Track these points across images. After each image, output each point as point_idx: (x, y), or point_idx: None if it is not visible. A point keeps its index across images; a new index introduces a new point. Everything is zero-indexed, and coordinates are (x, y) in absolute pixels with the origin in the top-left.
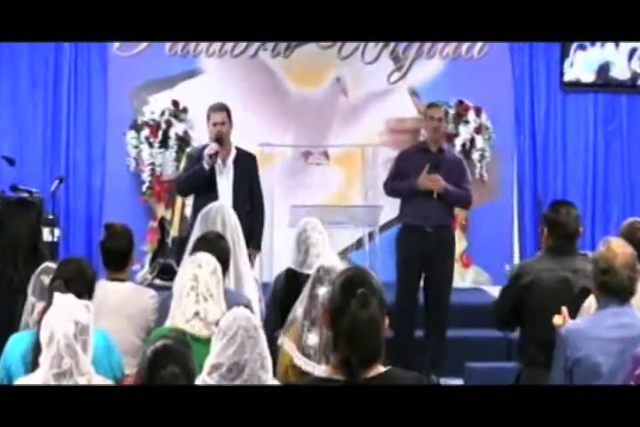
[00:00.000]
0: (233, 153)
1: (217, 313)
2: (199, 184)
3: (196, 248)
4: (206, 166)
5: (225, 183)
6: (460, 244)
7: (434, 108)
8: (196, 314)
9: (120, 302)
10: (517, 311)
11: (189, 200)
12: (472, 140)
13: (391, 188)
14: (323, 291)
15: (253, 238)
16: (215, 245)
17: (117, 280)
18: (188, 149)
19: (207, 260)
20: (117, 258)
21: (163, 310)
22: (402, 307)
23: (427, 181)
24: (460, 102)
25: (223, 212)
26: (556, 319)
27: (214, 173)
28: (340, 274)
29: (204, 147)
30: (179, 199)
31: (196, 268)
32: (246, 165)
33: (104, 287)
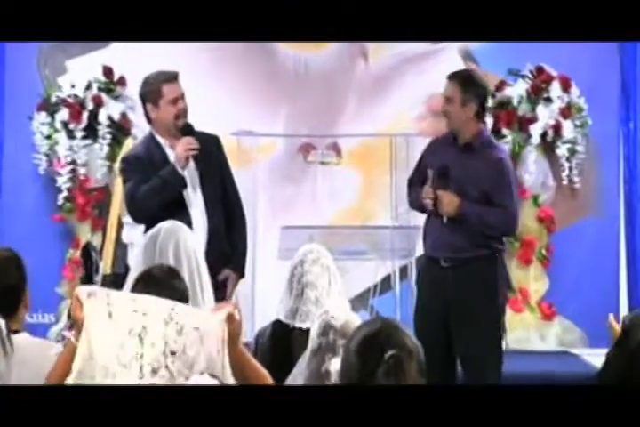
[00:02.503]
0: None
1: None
2: (171, 201)
3: (134, 290)
4: (181, 172)
5: (192, 192)
6: (539, 284)
7: (447, 83)
8: None
9: (11, 364)
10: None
11: (130, 218)
12: (557, 128)
13: (407, 197)
14: (338, 366)
15: (234, 258)
16: (164, 285)
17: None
18: (127, 143)
19: (155, 303)
20: None
21: None
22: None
23: (427, 200)
24: (540, 70)
25: (177, 235)
26: None
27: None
28: (358, 330)
29: (147, 143)
30: (113, 217)
31: (142, 319)
32: (210, 156)
33: None
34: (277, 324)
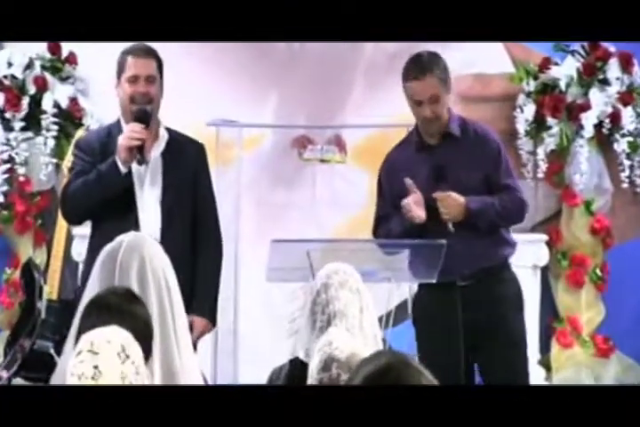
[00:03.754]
0: (163, 139)
1: None
2: (109, 200)
3: (85, 320)
4: (122, 168)
5: (148, 196)
6: (592, 313)
7: (418, 80)
8: None
9: None
10: None
11: (81, 229)
12: (615, 117)
13: (384, 233)
14: None
15: (198, 298)
16: (123, 312)
17: None
18: (78, 135)
19: (108, 336)
20: None
21: None
22: None
23: (421, 213)
24: (594, 45)
25: (142, 250)
26: None
27: (130, 177)
28: (360, 367)
29: (110, 129)
30: (61, 228)
31: (90, 356)
32: (186, 162)
33: None
34: (296, 363)
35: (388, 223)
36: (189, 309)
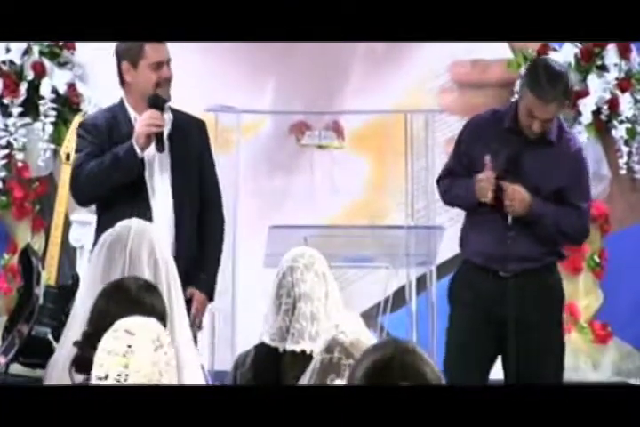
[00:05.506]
0: (168, 121)
1: None
2: (123, 184)
3: (101, 304)
4: (139, 153)
5: (158, 180)
6: (590, 299)
7: (544, 102)
8: None
9: None
10: None
11: (80, 215)
12: (613, 103)
13: (444, 191)
14: None
15: (202, 275)
16: (144, 304)
17: None
18: (76, 121)
19: (145, 323)
20: None
21: None
22: None
23: (485, 188)
24: None
25: (151, 238)
26: None
27: (143, 161)
28: (365, 355)
29: (114, 111)
30: (59, 214)
31: (126, 335)
32: (191, 143)
33: None
34: (261, 348)
35: (453, 181)
36: (191, 282)
